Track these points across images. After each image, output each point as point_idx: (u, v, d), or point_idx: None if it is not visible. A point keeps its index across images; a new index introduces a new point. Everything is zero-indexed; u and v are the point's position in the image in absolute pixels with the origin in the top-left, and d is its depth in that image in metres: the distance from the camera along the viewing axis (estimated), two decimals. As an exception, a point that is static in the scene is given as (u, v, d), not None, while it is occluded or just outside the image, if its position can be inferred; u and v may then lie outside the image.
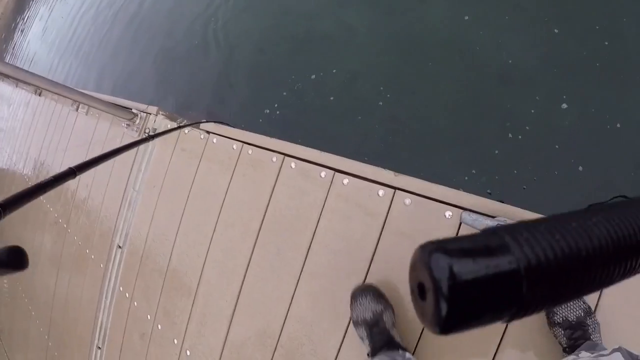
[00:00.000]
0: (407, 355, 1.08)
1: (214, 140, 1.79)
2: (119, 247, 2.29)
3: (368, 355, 1.15)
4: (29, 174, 3.96)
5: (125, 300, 2.15)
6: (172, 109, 2.78)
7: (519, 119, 1.84)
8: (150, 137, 1.59)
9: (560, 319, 1.01)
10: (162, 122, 2.21)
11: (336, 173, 1.43)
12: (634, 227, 0.22)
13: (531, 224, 0.21)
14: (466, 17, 1.99)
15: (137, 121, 2.37)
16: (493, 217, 1.30)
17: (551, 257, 0.20)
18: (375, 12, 2.45)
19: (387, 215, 1.34)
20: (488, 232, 0.21)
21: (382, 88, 2.03)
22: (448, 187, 1.35)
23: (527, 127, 1.83)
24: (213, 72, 3.09)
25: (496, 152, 1.84)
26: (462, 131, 1.90)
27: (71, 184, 3.12)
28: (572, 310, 1.01)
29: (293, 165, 1.50)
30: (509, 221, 1.28)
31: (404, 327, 1.23)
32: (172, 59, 3.61)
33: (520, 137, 1.83)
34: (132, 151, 2.38)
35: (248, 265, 1.57)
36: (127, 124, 2.44)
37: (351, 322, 1.27)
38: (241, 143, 1.67)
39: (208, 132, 1.83)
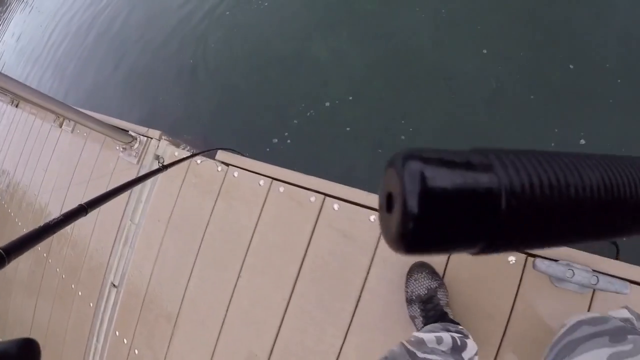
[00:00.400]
0: (460, 327, 0.99)
1: (235, 174, 1.50)
2: (114, 285, 1.92)
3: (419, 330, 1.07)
4: (2, 189, 3.39)
5: (122, 347, 1.79)
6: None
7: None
8: (164, 167, 1.30)
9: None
10: (166, 149, 1.89)
11: (387, 217, 1.20)
12: (634, 179, 0.19)
13: (520, 150, 0.19)
14: (484, 51, 1.84)
15: (136, 145, 2.02)
16: (556, 260, 1.15)
17: (536, 184, 0.17)
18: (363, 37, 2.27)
19: (447, 261, 1.13)
20: (474, 149, 0.19)
21: (403, 121, 1.83)
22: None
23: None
24: (209, 95, 2.78)
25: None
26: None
27: (51, 207, 2.67)
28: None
29: (336, 206, 1.26)
30: (578, 266, 1.14)
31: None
32: (160, 79, 3.23)
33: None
34: (128, 178, 2.02)
35: (283, 317, 1.30)
36: (123, 148, 2.08)
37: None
38: (270, 179, 1.40)
39: (227, 165, 1.54)
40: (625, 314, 0.74)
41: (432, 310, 1.06)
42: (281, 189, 1.37)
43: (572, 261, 1.14)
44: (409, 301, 1.12)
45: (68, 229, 2.37)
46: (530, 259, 1.15)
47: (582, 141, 1.71)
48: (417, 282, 1.11)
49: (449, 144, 1.86)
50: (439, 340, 0.86)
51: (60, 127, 2.87)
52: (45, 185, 2.78)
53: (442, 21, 2.06)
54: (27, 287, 2.65)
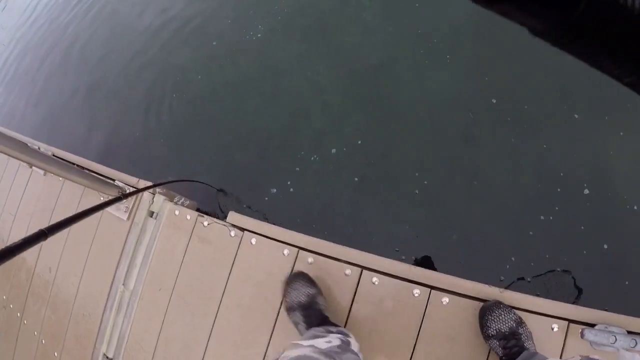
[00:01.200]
0: (340, 328, 1.02)
1: (253, 241, 1.29)
2: (107, 358, 1.62)
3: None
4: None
5: None
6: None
7: (546, 201, 1.66)
8: (124, 196, 1.27)
9: (494, 332, 0.97)
10: (163, 205, 1.64)
11: (432, 290, 1.06)
12: None
13: None
14: (494, 100, 1.77)
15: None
16: (593, 325, 1.08)
17: None
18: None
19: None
20: None
21: (417, 174, 1.69)
22: (552, 300, 1.10)
23: (557, 208, 1.66)
24: (193, 136, 2.48)
25: (530, 233, 1.64)
26: (502, 220, 1.65)
27: (28, 262, 2.27)
28: (503, 322, 0.98)
29: (375, 280, 1.10)
30: (616, 330, 1.09)
31: None
32: (140, 118, 2.82)
33: (551, 218, 1.65)
34: (118, 241, 1.71)
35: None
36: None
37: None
38: (295, 248, 1.21)
39: (242, 229, 1.33)
40: None
41: (313, 315, 1.04)
42: (310, 260, 1.18)
43: (608, 323, 1.10)
44: (290, 309, 1.09)
45: (45, 289, 2.02)
46: (572, 326, 1.08)
47: (586, 191, 1.66)
48: (297, 290, 1.09)
49: (465, 199, 1.74)
50: None
51: (30, 167, 2.48)
52: (15, 234, 2.38)
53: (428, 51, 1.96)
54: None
